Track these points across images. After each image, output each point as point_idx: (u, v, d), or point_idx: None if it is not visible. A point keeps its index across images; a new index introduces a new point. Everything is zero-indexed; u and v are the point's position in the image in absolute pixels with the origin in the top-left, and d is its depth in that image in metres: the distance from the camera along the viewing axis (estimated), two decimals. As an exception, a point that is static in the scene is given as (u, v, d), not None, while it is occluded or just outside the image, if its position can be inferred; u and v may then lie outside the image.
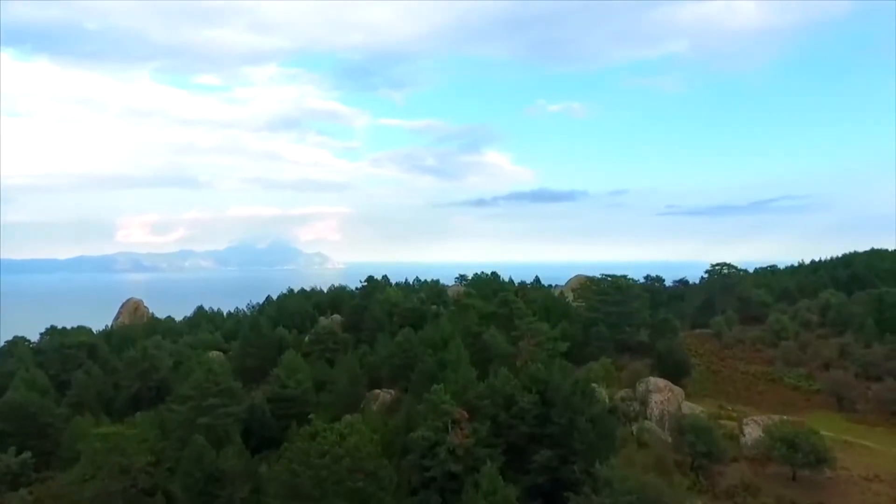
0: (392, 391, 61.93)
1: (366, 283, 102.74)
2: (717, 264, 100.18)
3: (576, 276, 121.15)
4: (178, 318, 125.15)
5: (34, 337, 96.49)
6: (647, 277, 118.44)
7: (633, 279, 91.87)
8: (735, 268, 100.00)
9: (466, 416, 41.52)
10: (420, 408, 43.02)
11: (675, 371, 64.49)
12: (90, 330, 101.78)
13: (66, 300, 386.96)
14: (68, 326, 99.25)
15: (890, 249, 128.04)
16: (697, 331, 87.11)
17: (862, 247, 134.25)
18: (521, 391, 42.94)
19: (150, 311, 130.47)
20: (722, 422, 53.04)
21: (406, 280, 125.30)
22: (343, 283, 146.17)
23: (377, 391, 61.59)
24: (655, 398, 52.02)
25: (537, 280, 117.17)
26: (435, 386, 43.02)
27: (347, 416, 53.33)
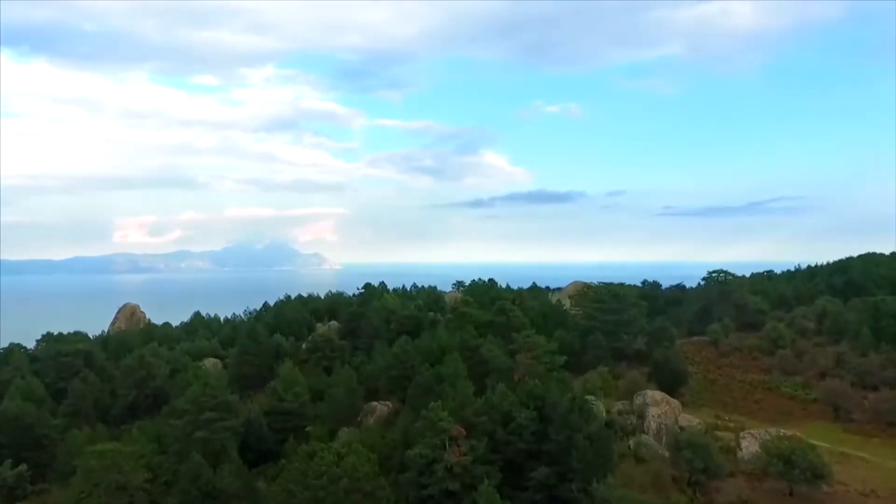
0: (389, 403, 61.84)
1: (363, 290, 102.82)
2: (714, 271, 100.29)
3: (573, 283, 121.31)
4: (175, 321, 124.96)
5: (31, 340, 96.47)
6: (644, 282, 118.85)
7: (630, 284, 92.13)
8: (732, 274, 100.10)
9: (464, 432, 41.48)
10: (417, 425, 42.92)
11: (672, 380, 64.70)
12: (87, 336, 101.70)
13: (63, 302, 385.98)
14: (65, 329, 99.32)
15: (886, 253, 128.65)
16: (694, 338, 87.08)
17: (856, 247, 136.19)
18: (518, 407, 42.92)
19: (147, 316, 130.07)
20: (719, 433, 53.17)
21: (403, 285, 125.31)
22: (340, 284, 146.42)
23: (374, 403, 61.41)
24: (653, 411, 51.96)
25: (535, 285, 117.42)
26: (432, 403, 42.96)
27: (345, 430, 53.47)
